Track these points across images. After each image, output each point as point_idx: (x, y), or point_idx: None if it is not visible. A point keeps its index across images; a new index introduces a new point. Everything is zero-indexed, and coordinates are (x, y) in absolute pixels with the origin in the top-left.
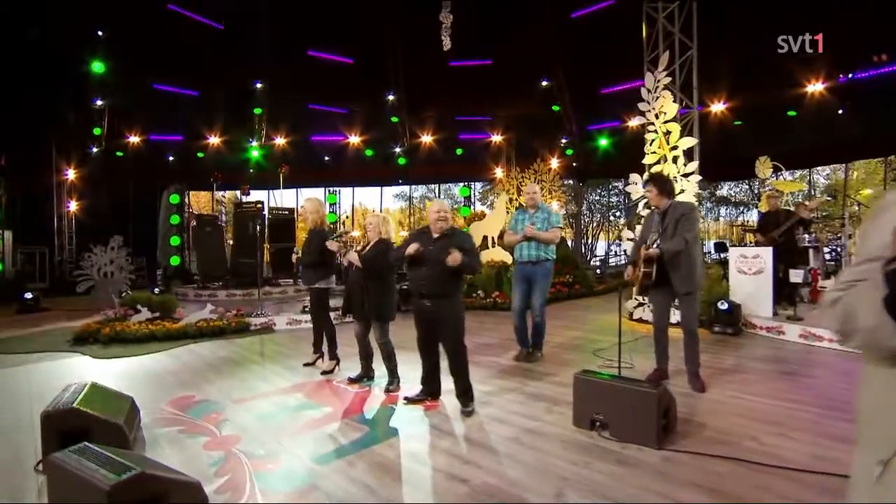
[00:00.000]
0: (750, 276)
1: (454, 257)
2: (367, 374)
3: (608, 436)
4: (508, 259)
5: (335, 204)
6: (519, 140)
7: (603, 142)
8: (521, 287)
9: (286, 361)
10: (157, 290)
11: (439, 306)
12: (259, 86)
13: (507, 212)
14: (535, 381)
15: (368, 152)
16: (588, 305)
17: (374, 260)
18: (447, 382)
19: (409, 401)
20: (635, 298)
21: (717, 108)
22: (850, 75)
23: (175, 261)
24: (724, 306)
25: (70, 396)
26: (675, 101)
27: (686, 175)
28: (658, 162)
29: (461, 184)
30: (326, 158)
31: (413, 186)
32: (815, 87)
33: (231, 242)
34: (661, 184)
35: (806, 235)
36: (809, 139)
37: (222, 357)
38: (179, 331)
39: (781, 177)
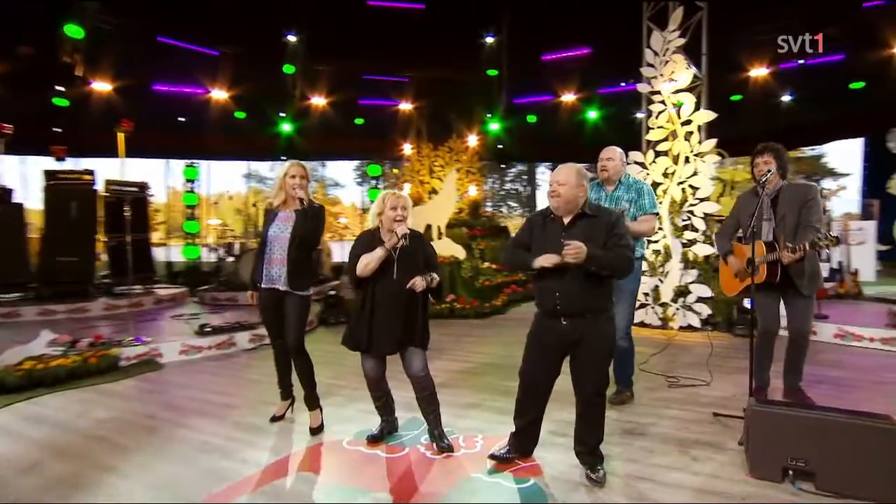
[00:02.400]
0: None
1: (574, 253)
2: (391, 427)
3: (815, 489)
4: (461, 254)
5: (195, 181)
6: (433, 110)
7: (531, 119)
8: None
9: (234, 417)
10: None
11: (584, 328)
12: None
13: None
14: (621, 415)
15: (240, 114)
16: None
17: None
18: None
19: (498, 460)
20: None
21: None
22: (801, 61)
23: None
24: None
25: None
26: (689, 67)
27: (700, 154)
28: (665, 139)
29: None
30: (182, 119)
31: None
32: (759, 72)
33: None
34: (782, 158)
35: None
36: (755, 125)
37: (105, 421)
38: None
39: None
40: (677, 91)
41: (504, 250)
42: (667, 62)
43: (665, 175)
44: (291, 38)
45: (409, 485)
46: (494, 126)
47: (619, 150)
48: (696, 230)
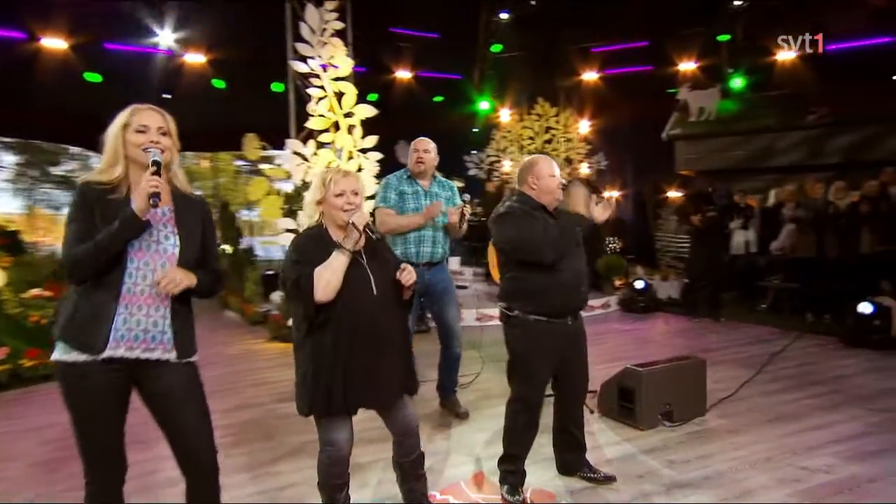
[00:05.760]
0: None
1: None
2: None
3: (674, 422)
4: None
5: None
6: None
7: None
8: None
9: None
10: None
11: (580, 323)
12: None
13: None
14: (488, 421)
15: None
16: None
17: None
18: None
19: None
20: None
21: (196, 58)
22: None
23: None
24: None
25: None
26: (349, 55)
27: (364, 150)
28: (327, 130)
29: None
30: None
31: None
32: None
33: None
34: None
35: None
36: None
37: None
38: None
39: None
40: (338, 79)
41: (532, 239)
42: (325, 44)
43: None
44: None
45: None
46: None
47: (433, 142)
48: None
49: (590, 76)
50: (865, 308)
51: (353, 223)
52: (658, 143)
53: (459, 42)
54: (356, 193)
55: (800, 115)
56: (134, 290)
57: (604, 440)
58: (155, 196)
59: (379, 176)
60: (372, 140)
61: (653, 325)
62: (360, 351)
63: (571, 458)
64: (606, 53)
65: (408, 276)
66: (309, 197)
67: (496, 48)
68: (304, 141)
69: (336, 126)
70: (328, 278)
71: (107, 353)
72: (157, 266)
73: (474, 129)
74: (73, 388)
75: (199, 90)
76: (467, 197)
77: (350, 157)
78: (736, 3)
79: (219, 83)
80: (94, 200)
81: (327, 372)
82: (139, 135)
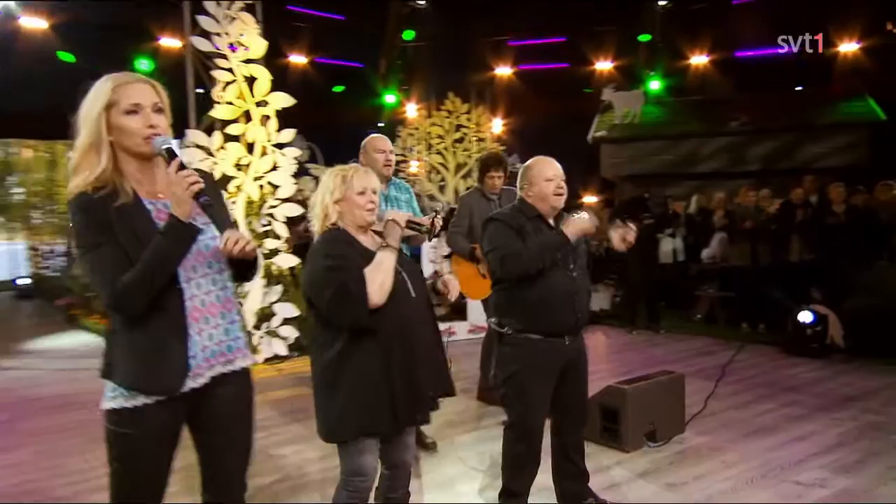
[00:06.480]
0: None
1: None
2: None
3: (656, 442)
4: None
5: None
6: None
7: None
8: None
9: None
10: None
11: (580, 343)
12: None
13: None
14: (471, 449)
15: None
16: None
17: None
18: None
19: None
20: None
21: (36, 23)
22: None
23: None
24: None
25: None
26: (261, 35)
27: (281, 146)
28: (236, 120)
29: None
30: None
31: None
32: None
33: None
34: (508, 168)
35: None
36: None
37: None
38: None
39: None
40: (249, 61)
41: (509, 259)
42: (233, 19)
43: (238, 167)
44: None
45: None
46: None
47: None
48: (278, 238)
49: (503, 71)
50: (806, 317)
51: (393, 219)
52: (575, 145)
53: (365, 27)
54: (375, 192)
55: (722, 121)
56: (195, 304)
57: (592, 465)
58: (203, 194)
59: (297, 175)
60: (289, 134)
61: (593, 338)
62: (409, 360)
63: (573, 487)
64: (521, 48)
65: (454, 289)
66: (324, 198)
67: (408, 35)
68: (208, 132)
69: (247, 116)
70: (382, 279)
71: (186, 387)
72: (205, 269)
73: (379, 125)
74: (130, 436)
75: (39, 64)
76: (440, 206)
77: (264, 153)
78: (661, 2)
79: (66, 56)
80: (103, 213)
81: (378, 387)
82: (132, 117)
